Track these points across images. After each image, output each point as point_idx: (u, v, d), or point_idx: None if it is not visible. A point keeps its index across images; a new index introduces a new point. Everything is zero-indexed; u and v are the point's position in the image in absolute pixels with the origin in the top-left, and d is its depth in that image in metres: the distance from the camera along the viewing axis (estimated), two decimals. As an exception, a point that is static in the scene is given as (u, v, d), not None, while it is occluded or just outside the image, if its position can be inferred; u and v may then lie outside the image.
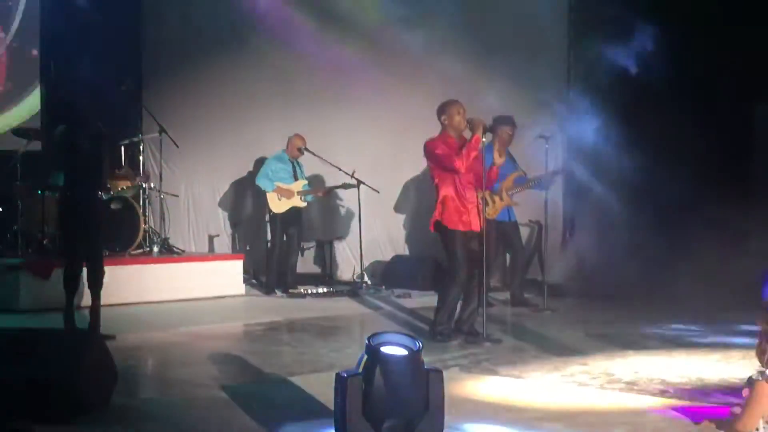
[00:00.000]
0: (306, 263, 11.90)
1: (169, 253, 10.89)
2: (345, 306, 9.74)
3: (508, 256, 10.05)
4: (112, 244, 9.76)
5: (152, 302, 9.65)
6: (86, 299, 7.54)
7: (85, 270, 7.41)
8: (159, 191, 11.22)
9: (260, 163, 11.17)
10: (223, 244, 12.66)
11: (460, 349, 6.91)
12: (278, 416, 4.84)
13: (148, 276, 9.93)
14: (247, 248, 12.30)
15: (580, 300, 9.57)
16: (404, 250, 11.64)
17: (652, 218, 9.40)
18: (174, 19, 12.84)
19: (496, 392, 5.45)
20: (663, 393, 5.38)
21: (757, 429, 4.19)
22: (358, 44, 11.31)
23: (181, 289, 10.04)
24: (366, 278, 10.93)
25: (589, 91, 10.15)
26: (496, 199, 9.11)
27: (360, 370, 4.19)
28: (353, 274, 11.41)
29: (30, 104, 12.53)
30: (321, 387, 5.20)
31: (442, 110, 7.24)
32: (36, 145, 10.54)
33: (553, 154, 9.55)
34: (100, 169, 7.54)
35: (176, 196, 12.23)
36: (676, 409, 4.96)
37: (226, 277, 10.60)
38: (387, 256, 11.57)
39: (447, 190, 7.14)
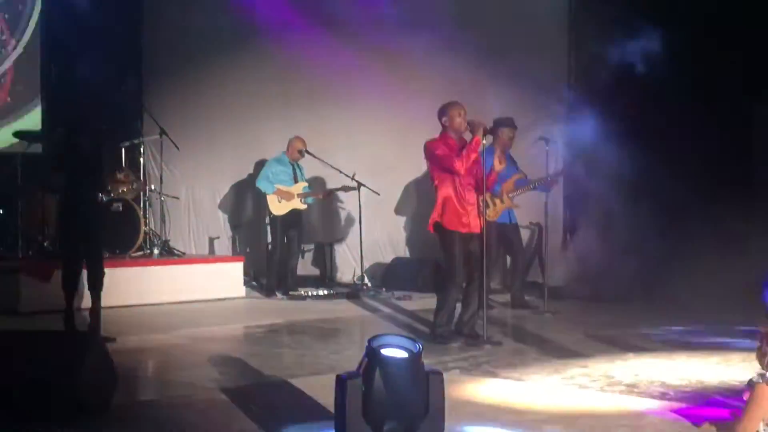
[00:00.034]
0: (306, 265, 11.90)
1: (170, 255, 10.89)
2: (345, 308, 9.73)
3: (508, 259, 10.05)
4: (112, 247, 9.76)
5: (153, 304, 9.65)
6: (86, 301, 7.55)
7: (85, 271, 7.42)
8: (159, 193, 11.23)
9: (260, 165, 11.17)
10: (224, 246, 12.66)
11: (460, 351, 6.91)
12: (278, 418, 4.84)
13: (148, 278, 9.93)
14: (248, 250, 12.29)
15: (581, 302, 9.57)
16: (404, 252, 11.64)
17: (652, 220, 9.39)
18: (174, 21, 12.85)
19: (496, 394, 5.45)
20: (663, 395, 5.37)
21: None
22: (359, 46, 11.31)
23: (181, 291, 10.04)
24: (366, 280, 10.93)
25: (589, 92, 10.15)
26: (497, 201, 9.11)
27: (360, 372, 4.19)
28: (353, 276, 11.40)
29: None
30: (321, 389, 5.20)
31: (443, 112, 7.24)
32: (37, 147, 10.55)
33: (553, 156, 9.55)
34: (100, 171, 7.54)
35: (177, 198, 12.23)
36: (676, 411, 4.96)
37: (226, 280, 10.60)
38: (387, 258, 11.57)
39: (447, 192, 7.14)
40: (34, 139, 10.59)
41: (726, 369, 6.16)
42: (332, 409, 4.32)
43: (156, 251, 10.62)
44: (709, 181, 9.11)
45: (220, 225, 12.76)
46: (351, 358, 6.05)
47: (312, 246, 12.00)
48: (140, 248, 10.40)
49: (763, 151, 9.66)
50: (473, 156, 7.07)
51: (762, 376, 4.19)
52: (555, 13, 10.68)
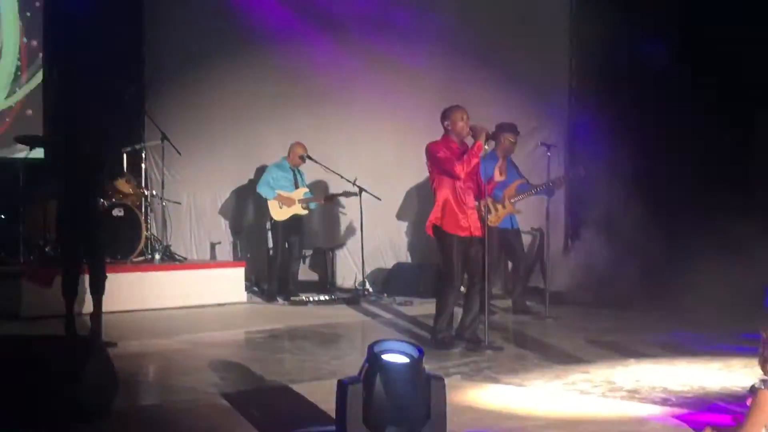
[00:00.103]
0: (307, 271, 11.89)
1: (171, 260, 10.90)
2: (346, 313, 9.73)
3: (510, 264, 10.05)
4: (114, 252, 9.76)
5: (154, 309, 9.65)
6: (87, 306, 7.54)
7: (87, 276, 7.41)
8: (161, 198, 11.23)
9: (262, 170, 11.18)
10: (225, 251, 12.66)
11: (461, 356, 6.90)
12: (279, 424, 4.84)
13: (149, 283, 9.93)
14: (249, 256, 12.29)
15: (582, 308, 9.56)
16: (406, 257, 11.64)
17: (654, 225, 9.38)
18: (176, 27, 12.86)
19: (497, 400, 5.44)
20: (665, 401, 5.37)
21: (760, 437, 4.19)
22: (360, 51, 11.33)
23: (182, 296, 10.04)
24: (368, 286, 10.93)
25: (591, 97, 10.16)
26: (499, 207, 9.11)
27: (361, 377, 4.19)
28: (355, 281, 11.39)
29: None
30: (322, 394, 5.20)
31: (446, 115, 7.25)
32: (38, 153, 10.55)
33: (555, 161, 9.55)
34: (100, 175, 7.54)
35: (178, 203, 12.24)
36: (678, 417, 4.95)
37: (227, 285, 10.60)
38: (389, 263, 11.57)
39: (446, 194, 7.14)
40: (36, 144, 10.59)
41: (728, 375, 6.15)
42: (333, 415, 4.32)
43: (157, 256, 10.63)
44: (711, 186, 9.10)
45: (222, 230, 12.76)
46: (352, 364, 6.04)
47: (313, 251, 11.99)
48: (142, 253, 10.41)
49: (764, 153, 9.65)
50: (474, 161, 7.08)
51: (764, 381, 4.18)
52: (556, 16, 10.69)
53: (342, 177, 10.66)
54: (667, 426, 4.80)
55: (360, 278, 10.97)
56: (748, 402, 4.26)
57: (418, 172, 10.01)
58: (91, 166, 7.37)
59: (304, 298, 10.56)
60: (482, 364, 6.59)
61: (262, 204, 11.06)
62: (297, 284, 10.93)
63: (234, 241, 12.69)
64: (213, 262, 12.11)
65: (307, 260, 11.87)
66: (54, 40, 12.32)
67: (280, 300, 10.65)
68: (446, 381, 4.36)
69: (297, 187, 10.78)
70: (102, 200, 9.52)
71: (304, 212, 10.83)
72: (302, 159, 10.73)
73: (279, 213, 10.65)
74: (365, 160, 11.28)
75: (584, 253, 9.96)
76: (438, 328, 7.22)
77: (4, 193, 10.40)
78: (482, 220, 7.18)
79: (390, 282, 11.17)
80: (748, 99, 9.43)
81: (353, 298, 10.54)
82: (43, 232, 9.86)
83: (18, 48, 12.09)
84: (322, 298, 10.63)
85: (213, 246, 12.71)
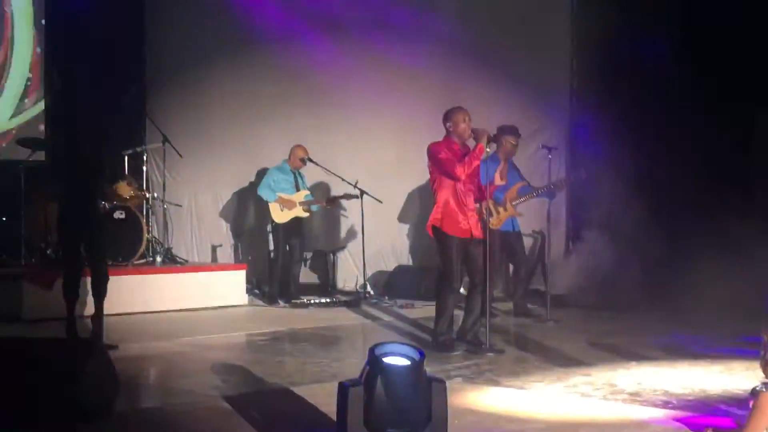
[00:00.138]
0: (309, 273, 11.89)
1: (172, 262, 10.89)
2: (347, 316, 9.72)
3: (511, 267, 10.04)
4: (115, 254, 9.76)
5: (155, 312, 9.64)
6: (89, 308, 7.54)
7: (89, 278, 7.41)
8: (162, 201, 11.23)
9: (263, 173, 11.17)
10: (226, 254, 12.64)
11: (462, 359, 6.90)
12: (280, 426, 4.84)
13: (151, 286, 9.92)
14: (250, 258, 12.28)
15: (583, 310, 9.55)
16: (407, 260, 11.63)
17: (655, 226, 9.38)
18: (178, 28, 12.85)
19: (498, 403, 5.44)
20: (666, 404, 5.36)
21: (761, 440, 4.18)
22: (361, 52, 11.33)
23: (184, 298, 10.04)
24: (369, 288, 10.92)
25: (591, 97, 10.17)
26: (500, 209, 9.10)
27: (362, 380, 4.18)
28: (356, 284, 11.39)
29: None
30: (323, 397, 5.20)
31: (448, 117, 7.25)
32: (40, 155, 10.56)
33: (556, 164, 9.55)
34: (101, 177, 7.53)
35: (179, 206, 12.23)
36: (679, 420, 4.94)
37: (228, 287, 10.60)
38: (390, 266, 11.56)
39: (447, 196, 7.14)
40: (38, 147, 10.59)
41: (729, 377, 6.15)
42: (334, 417, 4.31)
43: (159, 259, 10.63)
44: (713, 188, 9.10)
45: (223, 233, 12.75)
46: (353, 366, 6.04)
47: (314, 254, 11.99)
48: (143, 256, 10.41)
49: (764, 154, 9.65)
50: (475, 163, 7.08)
51: (766, 384, 4.17)
52: (556, 16, 10.70)
53: (343, 180, 10.66)
54: (668, 429, 4.80)
55: (361, 281, 10.96)
56: (750, 404, 4.26)
57: (419, 173, 10.01)
58: (92, 167, 7.37)
59: (305, 300, 10.56)
60: (483, 366, 6.58)
61: (263, 206, 11.05)
62: (298, 287, 10.92)
63: (235, 243, 12.68)
64: (214, 264, 12.10)
65: (308, 263, 11.85)
66: (54, 42, 12.32)
67: (281, 302, 10.64)
68: (447, 383, 4.36)
69: (298, 189, 10.78)
70: (103, 203, 9.54)
71: (305, 215, 10.83)
72: (303, 161, 10.73)
73: (280, 215, 10.65)
74: (365, 160, 11.28)
75: (585, 256, 9.96)
76: (439, 331, 7.22)
77: (5, 195, 10.40)
78: (482, 221, 7.18)
79: (391, 285, 11.17)
80: (748, 99, 9.43)
81: (354, 300, 10.54)
82: (44, 234, 9.87)
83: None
84: (323, 300, 10.63)
85: (214, 248, 12.70)
